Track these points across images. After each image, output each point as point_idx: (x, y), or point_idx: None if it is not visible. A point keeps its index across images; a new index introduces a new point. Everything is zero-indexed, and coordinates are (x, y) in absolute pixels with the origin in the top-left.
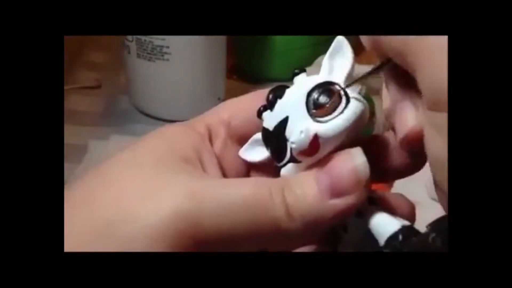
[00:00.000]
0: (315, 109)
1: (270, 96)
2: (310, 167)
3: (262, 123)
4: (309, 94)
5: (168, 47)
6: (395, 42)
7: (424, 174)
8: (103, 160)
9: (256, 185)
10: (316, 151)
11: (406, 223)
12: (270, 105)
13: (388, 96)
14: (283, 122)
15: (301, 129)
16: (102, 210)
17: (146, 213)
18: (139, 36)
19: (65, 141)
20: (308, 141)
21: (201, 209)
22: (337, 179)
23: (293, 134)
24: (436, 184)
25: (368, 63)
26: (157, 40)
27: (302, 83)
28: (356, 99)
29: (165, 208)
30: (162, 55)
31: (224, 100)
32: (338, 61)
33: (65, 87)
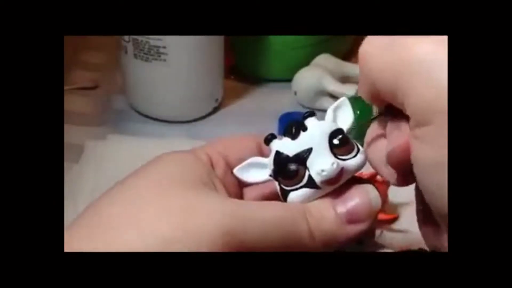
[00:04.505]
0: (337, 149)
1: (293, 127)
2: (323, 196)
3: (271, 149)
4: (331, 136)
5: (165, 47)
6: (388, 85)
7: None
8: (99, 161)
9: (284, 209)
10: (339, 181)
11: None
12: (293, 134)
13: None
14: (307, 152)
15: (332, 161)
16: (152, 228)
17: (197, 229)
18: (136, 36)
19: None
20: (337, 171)
21: (241, 226)
22: (353, 209)
23: (320, 164)
24: (429, 198)
25: None
26: (154, 40)
27: (320, 125)
28: (362, 149)
29: (212, 225)
30: (159, 56)
31: (221, 101)
32: (341, 114)
33: None
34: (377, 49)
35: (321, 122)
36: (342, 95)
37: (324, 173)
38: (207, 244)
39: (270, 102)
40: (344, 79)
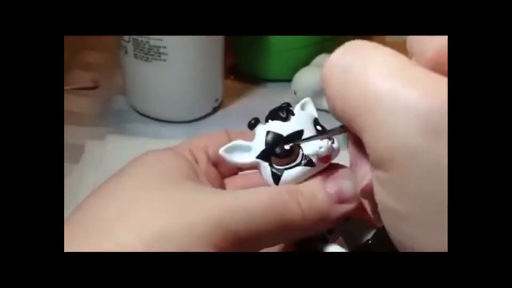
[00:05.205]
0: (320, 133)
1: (284, 111)
2: (313, 175)
3: (255, 132)
4: (314, 122)
5: (165, 47)
6: (347, 109)
7: None
8: (99, 161)
9: (271, 193)
10: (330, 160)
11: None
12: (285, 117)
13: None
14: (300, 132)
15: (326, 140)
16: (147, 225)
17: (191, 225)
18: (136, 36)
19: None
20: (331, 149)
21: (231, 218)
22: (342, 190)
23: (316, 142)
24: (388, 231)
25: None
26: (154, 40)
27: (304, 112)
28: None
29: (205, 219)
30: (159, 56)
31: (221, 101)
32: (308, 109)
33: None
34: (336, 79)
35: (302, 111)
36: None
37: (322, 149)
38: (203, 238)
39: (270, 102)
40: None
